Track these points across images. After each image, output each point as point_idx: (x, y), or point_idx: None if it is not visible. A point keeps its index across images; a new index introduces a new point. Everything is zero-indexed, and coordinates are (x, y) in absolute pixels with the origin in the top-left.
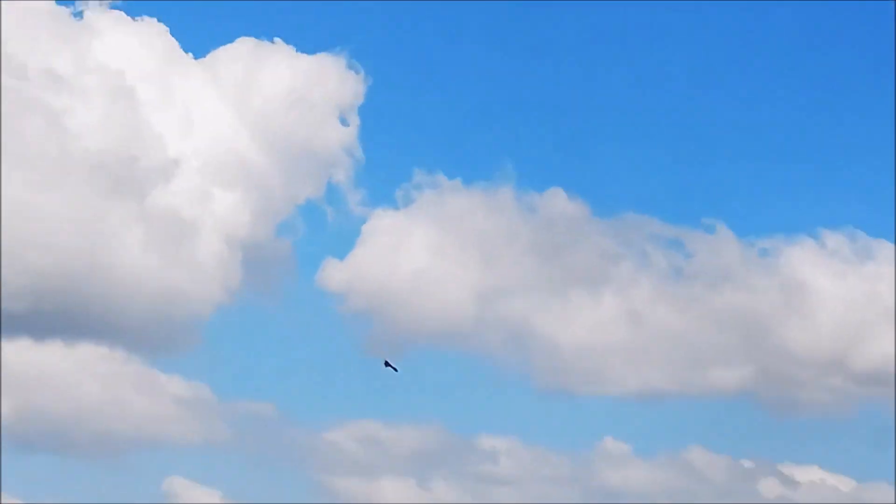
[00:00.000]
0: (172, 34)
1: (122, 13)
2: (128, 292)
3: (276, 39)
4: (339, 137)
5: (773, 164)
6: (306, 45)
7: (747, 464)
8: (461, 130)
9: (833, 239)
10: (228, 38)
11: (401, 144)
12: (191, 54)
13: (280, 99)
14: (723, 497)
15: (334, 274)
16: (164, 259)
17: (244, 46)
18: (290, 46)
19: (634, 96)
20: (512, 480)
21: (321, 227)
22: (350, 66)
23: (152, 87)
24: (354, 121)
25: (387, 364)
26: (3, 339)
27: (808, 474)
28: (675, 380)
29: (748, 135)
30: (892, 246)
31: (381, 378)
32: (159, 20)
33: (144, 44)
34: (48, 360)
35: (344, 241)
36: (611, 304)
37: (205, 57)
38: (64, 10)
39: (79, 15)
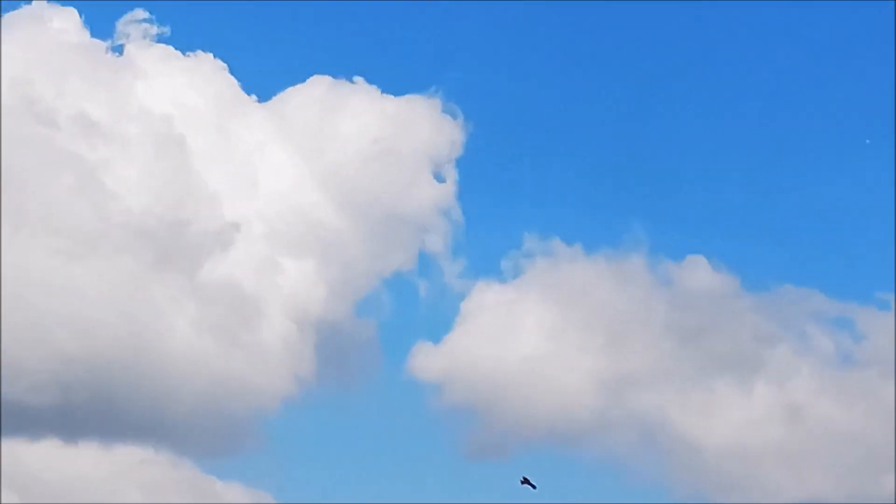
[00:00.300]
0: (231, 72)
1: (171, 48)
2: (177, 383)
3: (357, 78)
4: (434, 196)
5: None
6: (393, 84)
7: None
8: (581, 187)
9: None
10: (299, 77)
11: (508, 204)
12: (254, 96)
13: (361, 150)
14: None
15: (428, 360)
16: (221, 343)
17: (318, 87)
18: (374, 86)
19: None
20: None
21: (412, 304)
22: (446, 110)
23: (206, 135)
24: (452, 175)
25: (525, 481)
26: (26, 440)
27: None
28: (842, 488)
29: None
30: None
31: (486, 487)
32: (216, 56)
33: (197, 84)
34: (81, 466)
35: (439, 320)
36: (764, 397)
37: (270, 100)
38: (100, 45)
39: (118, 50)
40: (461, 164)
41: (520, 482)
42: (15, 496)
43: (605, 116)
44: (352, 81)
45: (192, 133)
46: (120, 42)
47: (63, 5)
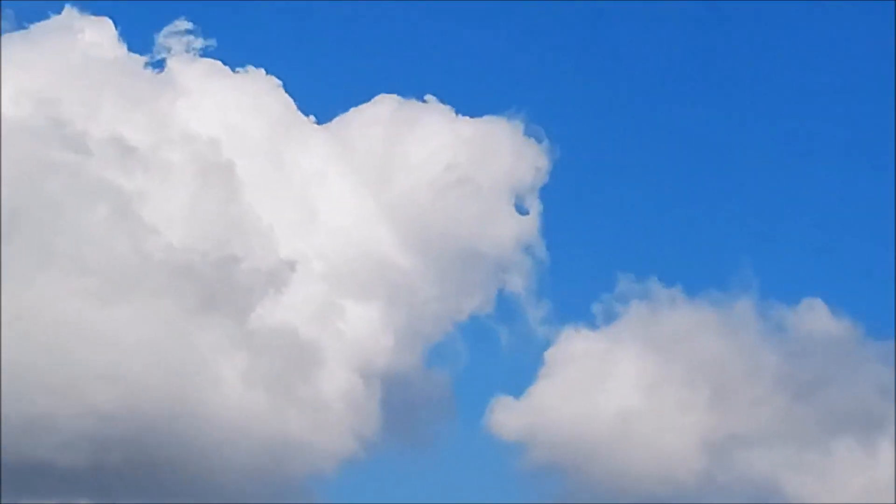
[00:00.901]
0: (287, 90)
1: (218, 62)
2: (224, 442)
3: (428, 97)
4: (515, 230)
5: None
6: (469, 104)
7: None
8: (683, 222)
9: None
10: (363, 97)
11: (599, 240)
12: (312, 118)
13: (433, 178)
14: None
15: (508, 416)
16: (274, 397)
17: (384, 107)
18: (448, 107)
19: None
20: None
21: (490, 352)
22: (529, 133)
23: (258, 162)
24: (536, 207)
25: None
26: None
27: None
28: None
29: None
30: None
31: None
32: (268, 72)
33: (248, 104)
34: None
35: (521, 371)
36: (889, 458)
37: (331, 122)
38: (138, 60)
39: (159, 65)
40: (546, 193)
41: None
42: None
43: (709, 142)
44: (422, 101)
45: (242, 159)
46: (160, 56)
47: (96, 15)
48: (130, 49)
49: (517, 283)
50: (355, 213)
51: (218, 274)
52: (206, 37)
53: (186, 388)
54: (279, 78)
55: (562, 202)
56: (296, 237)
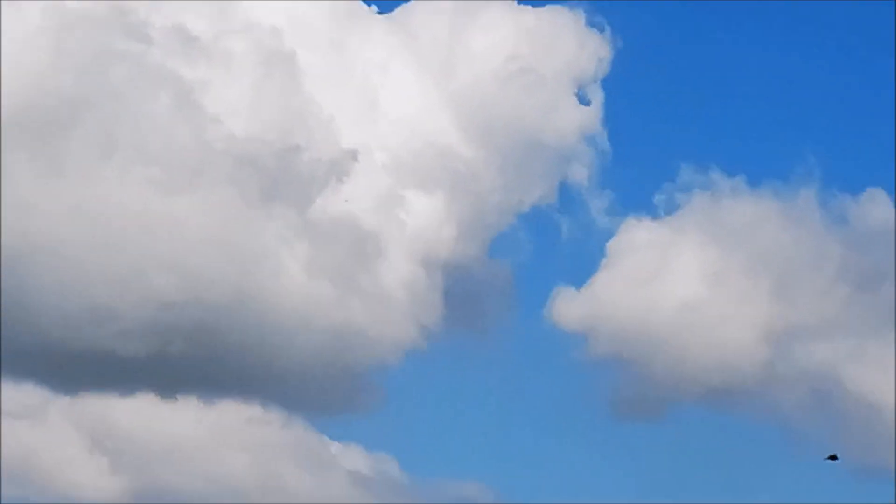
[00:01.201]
0: None
1: None
2: (287, 332)
3: None
4: (577, 121)
5: None
6: None
7: None
8: (745, 111)
9: None
10: None
11: (661, 130)
12: (375, 7)
13: (496, 69)
14: None
15: (569, 306)
16: (337, 287)
17: None
18: None
19: None
20: None
21: (552, 243)
22: (592, 23)
23: (321, 52)
24: (598, 98)
25: (832, 458)
26: (118, 395)
27: None
28: None
29: None
30: None
31: (634, 448)
32: None
33: None
34: (179, 424)
35: (583, 262)
36: None
37: (394, 11)
38: None
39: None
40: (608, 84)
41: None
42: (105, 459)
43: (773, 30)
44: None
45: (305, 49)
46: None
47: None
48: None
49: (579, 174)
50: (418, 103)
51: (280, 164)
52: None
53: (249, 278)
54: None
55: (624, 92)
56: (358, 127)
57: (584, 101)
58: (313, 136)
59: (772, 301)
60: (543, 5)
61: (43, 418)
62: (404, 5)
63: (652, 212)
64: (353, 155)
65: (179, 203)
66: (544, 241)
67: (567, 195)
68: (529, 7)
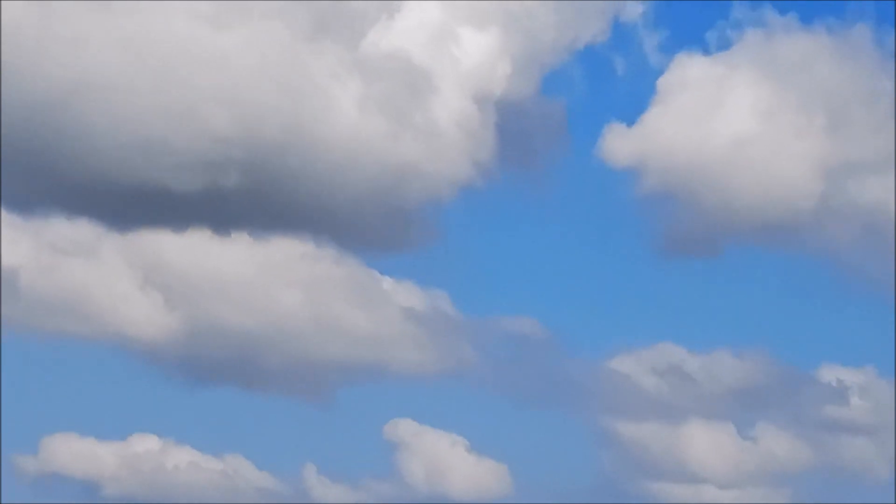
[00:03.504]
0: None
1: None
2: (340, 168)
3: None
4: None
5: None
6: None
7: None
8: None
9: None
10: None
11: None
12: None
13: None
14: None
15: (622, 144)
16: (390, 123)
17: None
18: None
19: None
20: (867, 428)
21: (605, 81)
22: None
23: None
24: None
25: None
26: (171, 230)
27: None
28: None
29: None
30: None
31: (686, 286)
32: None
33: None
34: (231, 260)
35: (636, 99)
36: None
37: None
38: None
39: None
40: None
41: None
42: (158, 294)
43: None
44: None
45: None
46: None
47: None
48: None
49: (633, 11)
50: None
51: None
52: None
53: (301, 113)
54: None
55: None
56: None
57: None
58: None
59: (825, 137)
60: None
61: (97, 254)
62: None
63: (704, 49)
64: None
65: (229, 37)
66: (597, 78)
67: (620, 33)
68: None
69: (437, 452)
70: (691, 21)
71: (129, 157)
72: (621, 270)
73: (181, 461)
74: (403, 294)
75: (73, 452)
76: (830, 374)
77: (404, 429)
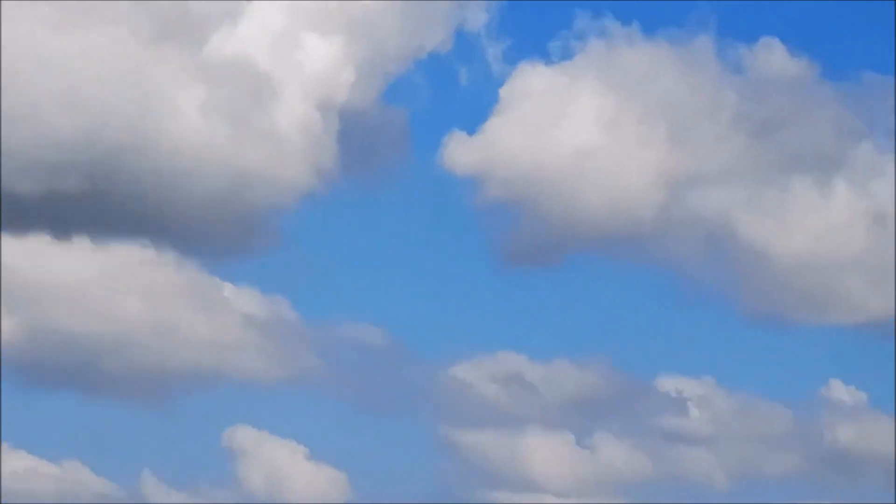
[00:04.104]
0: None
1: None
2: (182, 173)
3: None
4: None
5: None
6: None
7: None
8: None
9: None
10: None
11: None
12: None
13: None
14: None
15: (464, 152)
16: (233, 129)
17: None
18: None
19: None
20: (705, 438)
21: (448, 89)
22: None
23: None
24: None
25: None
26: (11, 234)
27: None
28: None
29: None
30: None
31: (529, 294)
32: None
33: None
34: (70, 265)
35: (478, 107)
36: (845, 200)
37: None
38: None
39: None
40: None
41: None
42: None
43: None
44: None
45: None
46: None
47: None
48: None
49: (476, 20)
50: None
51: (173, 2)
52: None
53: (143, 118)
54: None
55: None
56: None
57: None
58: None
59: (667, 148)
60: None
61: None
62: None
63: (547, 58)
64: None
65: (72, 41)
66: (440, 86)
67: (464, 41)
68: None
69: (276, 459)
70: (534, 30)
71: None
72: (463, 278)
73: (18, 467)
74: (244, 300)
75: None
76: (670, 384)
77: (243, 436)
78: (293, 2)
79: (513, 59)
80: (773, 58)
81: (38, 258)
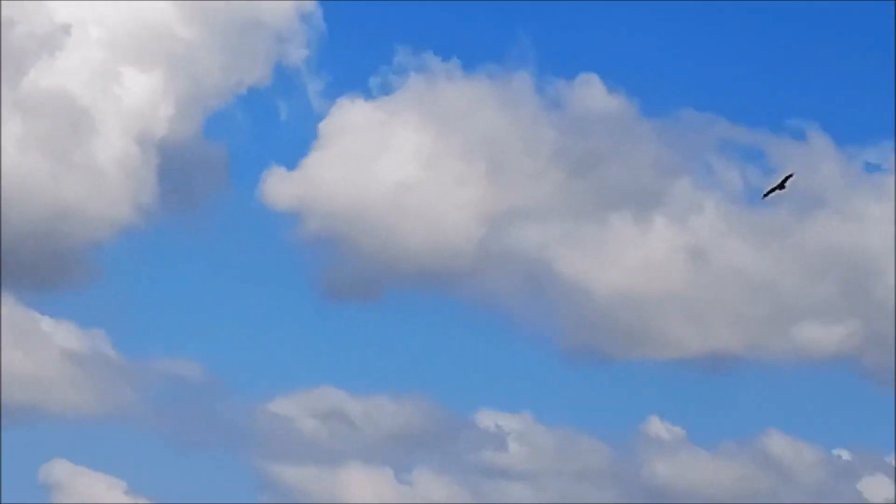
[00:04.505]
0: None
1: None
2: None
3: None
4: (294, 5)
5: (886, 48)
6: None
7: (845, 455)
8: None
9: None
10: None
11: (377, 11)
12: None
13: None
14: (812, 498)
15: (283, 187)
16: (50, 163)
17: None
18: None
19: None
20: (524, 474)
21: (268, 124)
22: None
23: None
24: None
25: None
26: None
27: None
28: (748, 340)
29: (853, 10)
30: None
31: (348, 330)
32: None
33: None
34: None
35: (297, 143)
36: (663, 236)
37: None
38: None
39: None
40: None
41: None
42: None
43: None
44: None
45: None
46: None
47: None
48: None
49: (296, 56)
50: None
51: None
52: None
53: None
54: None
55: None
56: (72, 2)
57: None
58: (25, 9)
59: (487, 183)
60: None
61: None
62: None
63: (367, 93)
64: (65, 29)
65: None
66: (260, 121)
67: (284, 76)
68: None
69: (94, 494)
70: (354, 65)
71: None
72: (282, 313)
73: None
74: (63, 335)
75: None
76: (489, 419)
77: (61, 470)
78: (112, 36)
79: (333, 94)
80: (591, 94)
81: None
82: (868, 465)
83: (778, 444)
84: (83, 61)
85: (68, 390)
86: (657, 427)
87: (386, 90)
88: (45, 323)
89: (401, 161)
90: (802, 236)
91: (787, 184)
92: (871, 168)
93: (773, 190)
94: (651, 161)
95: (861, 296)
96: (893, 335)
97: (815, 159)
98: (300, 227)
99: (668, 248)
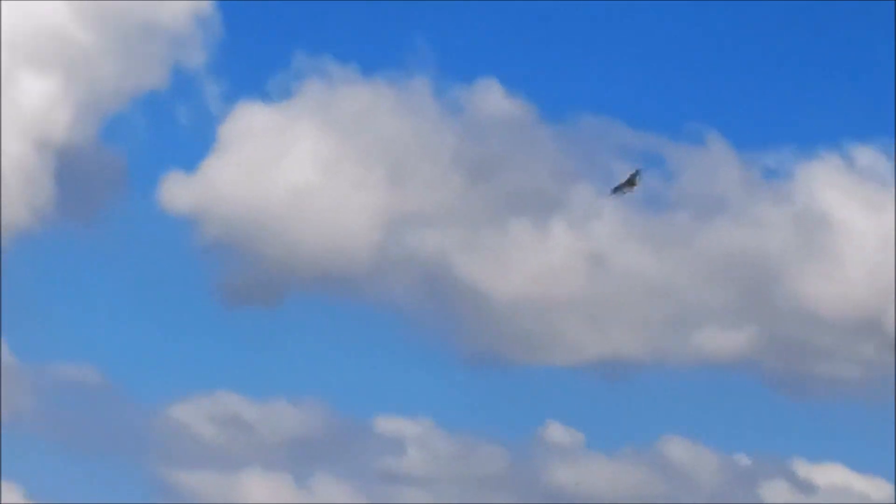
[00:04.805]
0: None
1: None
2: None
3: None
4: (192, 8)
5: (784, 52)
6: None
7: (745, 460)
8: None
9: (865, 154)
10: None
11: (275, 15)
12: None
13: None
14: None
15: (181, 192)
16: None
17: None
18: None
19: None
20: (423, 479)
21: (166, 128)
22: None
23: None
24: None
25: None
26: None
27: (828, 475)
28: (647, 345)
29: (753, 12)
30: None
31: (246, 335)
32: None
33: None
34: None
35: (196, 147)
36: (562, 241)
37: None
38: None
39: None
40: None
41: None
42: None
43: None
44: None
45: None
46: None
47: None
48: None
49: (193, 60)
50: None
51: None
52: None
53: None
54: None
55: None
56: None
57: None
58: None
59: (385, 188)
60: None
61: None
62: None
63: (265, 97)
64: None
65: None
66: (158, 125)
67: (182, 80)
68: None
69: None
70: (253, 69)
71: None
72: (181, 318)
73: None
74: None
75: None
76: (388, 425)
77: None
78: (9, 38)
79: (231, 98)
80: (491, 98)
81: None
82: (768, 470)
83: (677, 448)
84: None
85: None
86: (556, 432)
87: (285, 94)
88: None
89: (300, 165)
90: (702, 242)
91: (637, 179)
92: (770, 174)
93: (621, 186)
94: (550, 166)
95: (761, 301)
96: (792, 341)
97: (715, 164)
98: (199, 232)
99: (567, 253)
